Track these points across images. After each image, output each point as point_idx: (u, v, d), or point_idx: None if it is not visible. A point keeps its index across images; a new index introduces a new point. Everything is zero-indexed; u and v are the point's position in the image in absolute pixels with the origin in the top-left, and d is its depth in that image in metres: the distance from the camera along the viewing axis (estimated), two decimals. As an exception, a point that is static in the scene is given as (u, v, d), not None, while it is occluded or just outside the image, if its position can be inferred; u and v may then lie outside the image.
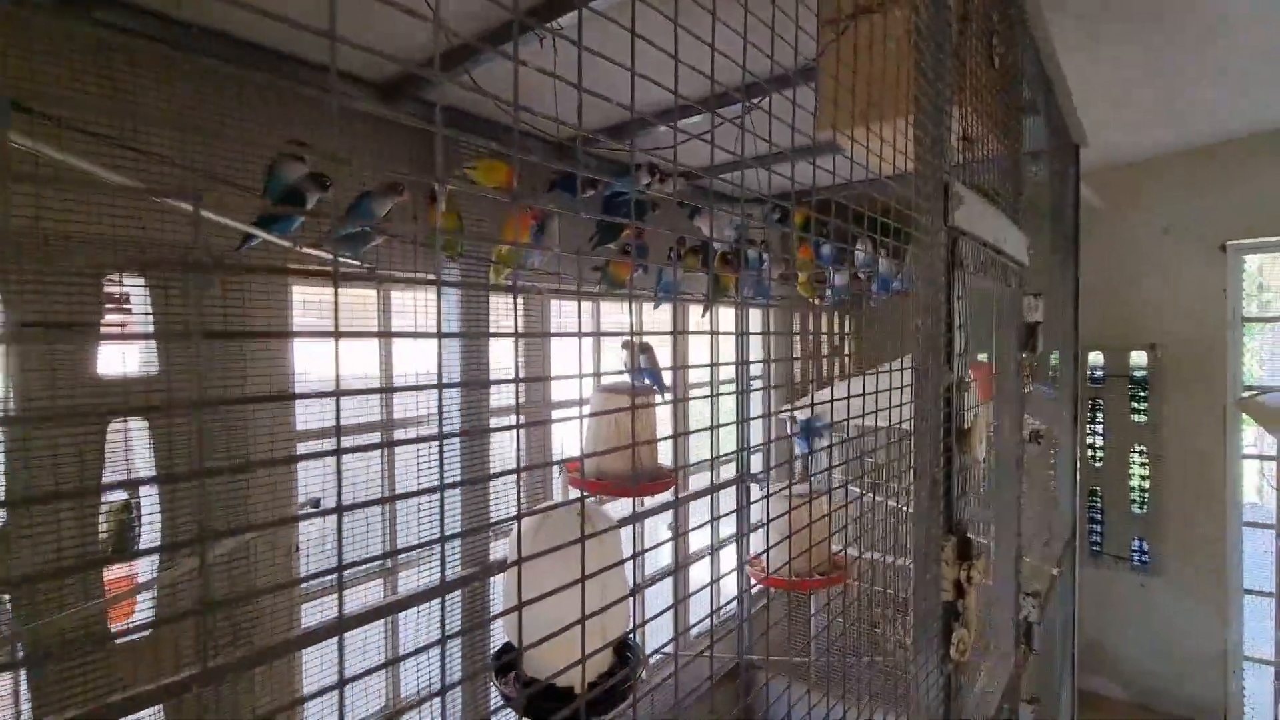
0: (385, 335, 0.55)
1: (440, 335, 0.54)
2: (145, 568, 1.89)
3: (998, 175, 1.63)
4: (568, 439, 3.37)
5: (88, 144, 1.60)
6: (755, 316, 4.69)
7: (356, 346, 2.67)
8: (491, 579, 2.72)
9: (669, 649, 3.16)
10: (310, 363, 2.37)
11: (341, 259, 2.11)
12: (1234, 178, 4.79)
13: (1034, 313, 1.76)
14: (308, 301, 2.39)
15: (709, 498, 3.98)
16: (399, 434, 2.74)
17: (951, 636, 1.09)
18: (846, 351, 3.93)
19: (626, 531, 2.45)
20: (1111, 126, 4.17)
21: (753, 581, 3.00)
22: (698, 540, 4.12)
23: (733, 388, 4.45)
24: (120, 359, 1.94)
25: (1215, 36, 2.85)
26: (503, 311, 2.99)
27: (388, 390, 0.45)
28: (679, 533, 3.72)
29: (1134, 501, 5.43)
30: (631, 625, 1.46)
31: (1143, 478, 5.43)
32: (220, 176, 1.79)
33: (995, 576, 1.74)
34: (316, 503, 2.12)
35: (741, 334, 0.89)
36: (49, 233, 1.74)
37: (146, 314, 1.96)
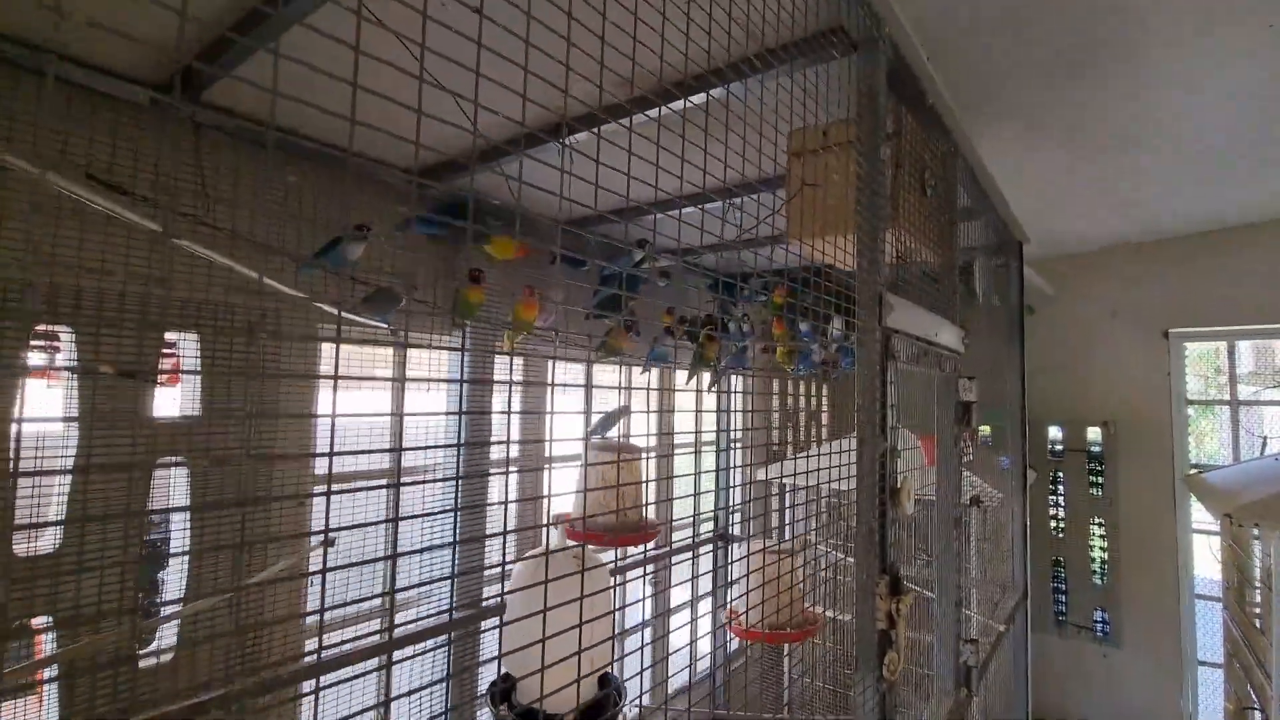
0: (414, 380, 0.82)
1: (461, 381, 0.82)
2: (175, 592, 2.08)
3: (934, 279, 1.98)
4: (560, 488, 3.58)
5: (184, 223, 1.90)
6: (737, 383, 5.01)
7: (372, 396, 2.92)
8: (486, 617, 2.89)
9: (647, 699, 3.30)
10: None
11: (370, 321, 2.39)
12: (1174, 270, 5.26)
13: (968, 393, 2.08)
14: (333, 359, 2.65)
15: (690, 554, 4.17)
16: (407, 480, 2.96)
17: (885, 659, 1.34)
18: (818, 414, 4.24)
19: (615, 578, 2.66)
20: (1054, 221, 4.65)
21: (730, 635, 3.19)
22: (678, 595, 4.28)
23: (714, 448, 4.71)
24: (171, 403, 2.19)
25: (1129, 147, 3.29)
26: (504, 371, 3.28)
27: (405, 448, 0.72)
28: (656, 579, 3.89)
29: (1094, 572, 5.66)
30: (613, 657, 1.67)
31: (1102, 549, 5.69)
32: (279, 249, 2.09)
33: (937, 624, 1.98)
34: (332, 542, 2.32)
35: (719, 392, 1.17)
36: (123, 290, 2.02)
37: (196, 362, 2.22)
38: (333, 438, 0.72)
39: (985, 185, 2.61)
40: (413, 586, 0.95)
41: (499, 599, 2.74)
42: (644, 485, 2.78)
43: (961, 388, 2.05)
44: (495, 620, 2.70)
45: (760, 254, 1.50)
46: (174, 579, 2.21)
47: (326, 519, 0.93)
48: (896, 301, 1.48)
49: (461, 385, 2.98)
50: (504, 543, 0.93)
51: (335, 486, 2.58)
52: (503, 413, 3.30)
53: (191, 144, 2.11)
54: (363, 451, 0.75)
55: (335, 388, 0.68)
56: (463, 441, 2.97)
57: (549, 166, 0.85)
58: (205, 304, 2.17)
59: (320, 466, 2.56)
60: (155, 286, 1.99)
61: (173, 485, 2.22)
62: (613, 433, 2.93)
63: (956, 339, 2.01)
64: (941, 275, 2.02)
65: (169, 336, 2.32)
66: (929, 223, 1.86)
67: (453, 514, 2.90)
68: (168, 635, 2.19)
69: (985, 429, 3.71)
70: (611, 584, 1.78)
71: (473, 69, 0.75)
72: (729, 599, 3.71)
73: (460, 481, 2.95)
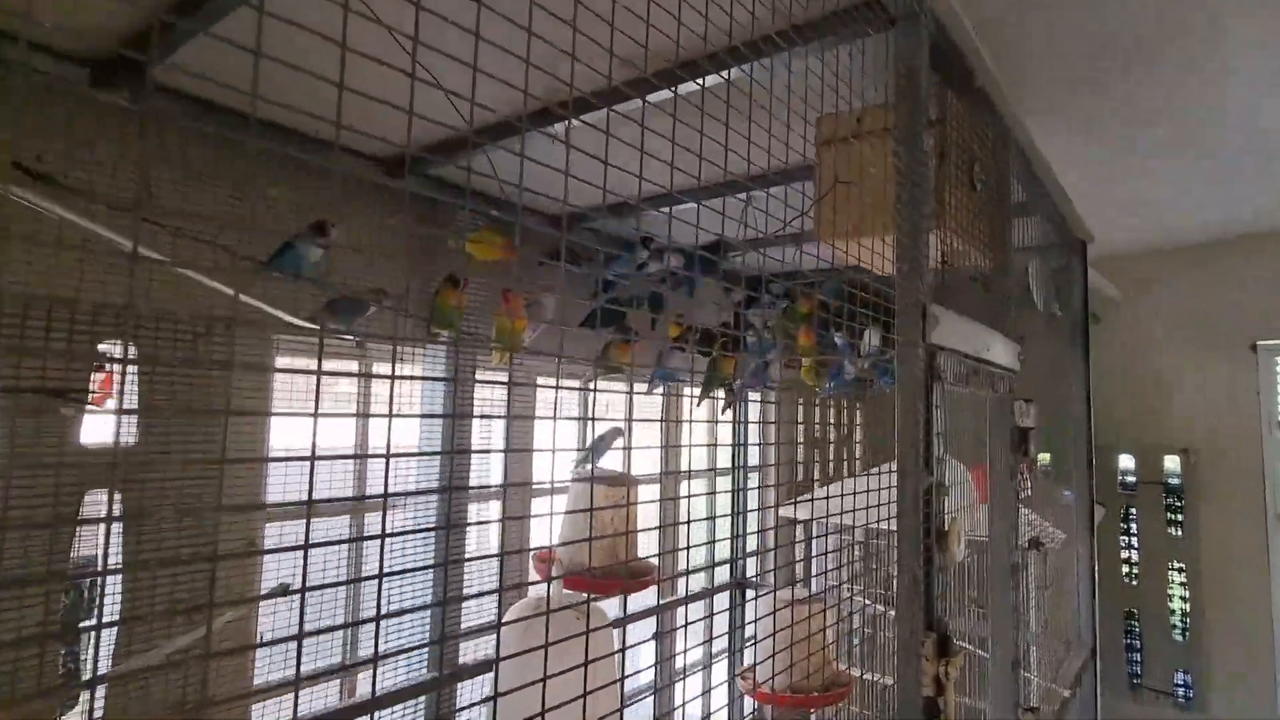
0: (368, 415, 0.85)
1: (447, 415, 0.84)
2: (105, 651, 2.09)
3: (985, 285, 2.01)
4: (549, 527, 3.59)
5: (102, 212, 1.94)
6: (755, 406, 5.04)
7: (336, 423, 2.93)
8: (471, 675, 2.89)
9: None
10: (290, 435, 2.63)
11: (333, 330, 2.42)
12: (1263, 272, 5.27)
13: (1025, 417, 2.10)
14: (291, 381, 2.68)
15: (700, 604, 4.18)
16: (372, 518, 2.98)
17: (930, 729, 1.35)
18: (850, 439, 4.26)
19: (615, 630, 2.67)
20: (1122, 218, 4.69)
21: (745, 697, 3.19)
22: (688, 653, 4.28)
23: (727, 482, 4.73)
24: (103, 427, 2.21)
25: (1209, 134, 3.34)
26: (488, 390, 3.30)
27: (396, 495, 0.74)
28: (663, 635, 3.89)
29: (1174, 626, 5.62)
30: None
31: (1183, 599, 5.65)
32: (232, 249, 2.12)
33: (992, 689, 1.99)
34: (285, 589, 2.33)
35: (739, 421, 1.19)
36: (40, 295, 2.05)
37: (132, 381, 2.24)
38: (312, 474, 0.74)
39: (1043, 176, 2.65)
40: (388, 655, 0.96)
41: (489, 659, 2.75)
42: (636, 520, 2.79)
43: (1018, 411, 2.07)
44: (475, 682, 2.71)
45: (779, 255, 1.53)
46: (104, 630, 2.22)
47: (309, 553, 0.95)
48: (942, 314, 1.51)
49: (453, 420, 3.00)
50: (499, 598, 0.95)
51: (291, 525, 2.59)
52: (484, 451, 3.32)
53: (133, 131, 2.15)
54: (325, 500, 0.77)
55: (315, 423, 0.70)
56: (445, 486, 2.98)
57: (536, 161, 0.88)
58: (144, 313, 2.20)
59: (275, 495, 2.58)
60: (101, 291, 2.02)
61: (104, 525, 2.23)
62: (609, 460, 2.94)
63: (1011, 355, 2.03)
64: (994, 281, 2.05)
65: (101, 348, 2.35)
66: (979, 221, 1.89)
67: (431, 568, 2.92)
68: (96, 701, 2.20)
69: (1045, 457, 3.72)
70: (615, 645, 1.79)
71: (453, 56, 0.78)
72: (746, 657, 3.71)
73: (439, 527, 2.97)
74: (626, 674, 3.79)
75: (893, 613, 1.98)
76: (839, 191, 1.77)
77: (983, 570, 2.20)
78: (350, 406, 3.02)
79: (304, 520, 2.41)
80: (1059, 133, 3.26)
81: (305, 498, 0.69)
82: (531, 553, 2.52)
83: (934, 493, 1.44)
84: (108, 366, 2.39)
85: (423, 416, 3.02)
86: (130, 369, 2.28)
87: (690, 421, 4.74)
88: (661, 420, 4.45)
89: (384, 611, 2.88)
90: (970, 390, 1.79)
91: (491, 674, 1.99)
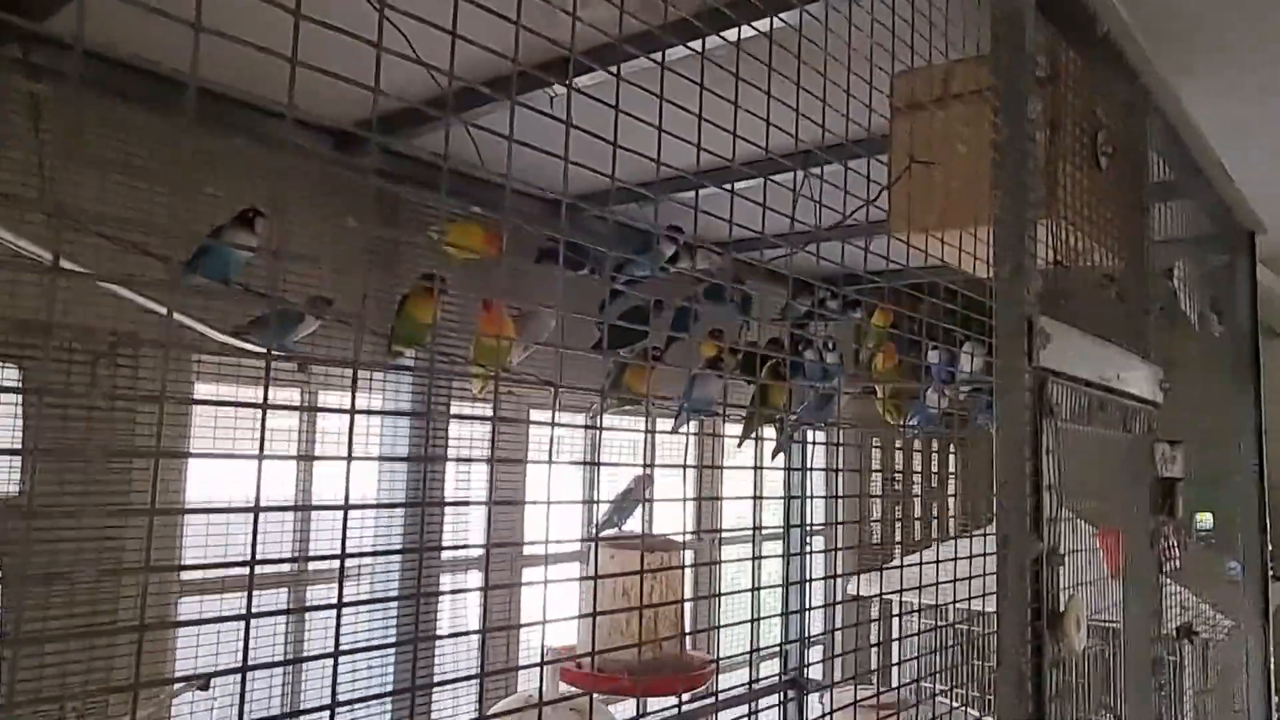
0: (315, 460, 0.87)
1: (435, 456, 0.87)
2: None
3: (1115, 293, 2.01)
4: (550, 608, 3.61)
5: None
6: (815, 450, 5.03)
7: (269, 467, 2.98)
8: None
9: None
10: (210, 483, 2.69)
11: (260, 348, 2.48)
12: None
13: (1170, 465, 2.09)
14: (213, 417, 2.74)
15: (748, 710, 4.15)
16: (314, 590, 3.01)
17: None
18: (943, 494, 4.24)
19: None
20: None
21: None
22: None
23: (781, 548, 4.72)
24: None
25: None
26: (466, 427, 3.34)
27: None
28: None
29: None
30: None
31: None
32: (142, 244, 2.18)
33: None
34: (206, 684, 2.37)
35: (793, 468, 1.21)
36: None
37: (13, 417, 2.31)
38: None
39: (1195, 150, 2.65)
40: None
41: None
42: (681, 598, 2.80)
43: (1160, 457, 2.06)
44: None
45: (835, 254, 1.55)
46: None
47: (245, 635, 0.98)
48: (1055, 329, 1.51)
49: (424, 466, 3.05)
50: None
51: (211, 600, 2.63)
52: (461, 503, 3.35)
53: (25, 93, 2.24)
54: (271, 560, 0.81)
55: (260, 466, 0.73)
56: (415, 546, 3.02)
57: (515, 141, 0.91)
58: (31, 325, 2.27)
59: (194, 553, 2.63)
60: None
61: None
62: (633, 520, 2.96)
63: (1151, 383, 2.03)
64: (1126, 286, 2.05)
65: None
66: (1105, 208, 1.90)
67: (393, 646, 2.95)
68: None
69: (1204, 519, 3.67)
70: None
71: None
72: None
73: (400, 602, 3.00)
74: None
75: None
76: (917, 172, 1.79)
77: (1115, 666, 2.18)
78: (288, 446, 3.07)
79: (223, 595, 2.46)
80: (1217, 97, 3.26)
81: (233, 560, 0.72)
82: (544, 648, 2.53)
83: (1045, 563, 1.44)
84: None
85: (394, 459, 3.06)
86: (9, 398, 2.35)
87: (727, 467, 4.76)
88: (688, 465, 4.46)
89: (334, 702, 2.91)
90: (1095, 429, 1.79)
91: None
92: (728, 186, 1.29)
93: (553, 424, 3.15)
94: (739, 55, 1.25)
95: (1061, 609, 1.45)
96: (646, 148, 1.06)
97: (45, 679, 2.18)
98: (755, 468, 4.44)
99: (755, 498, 3.79)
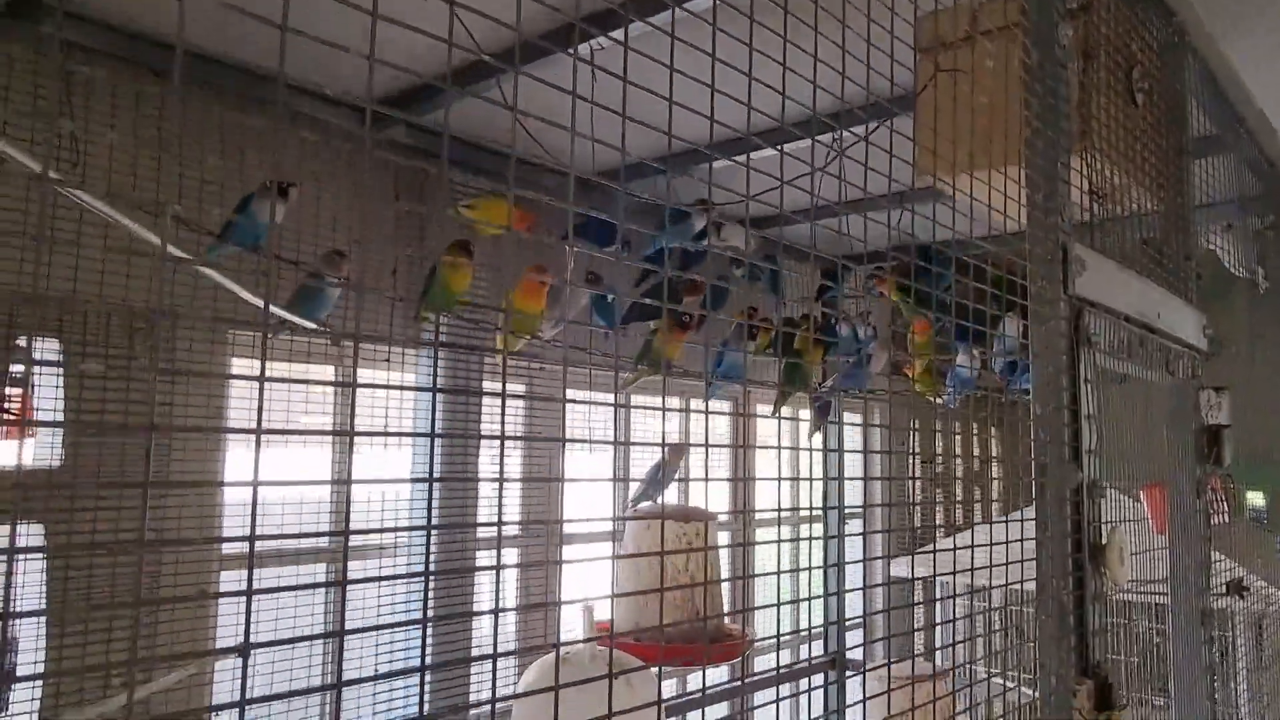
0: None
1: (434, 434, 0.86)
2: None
3: (1155, 248, 1.97)
4: (588, 582, 3.61)
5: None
6: (849, 430, 4.99)
7: (305, 447, 3.02)
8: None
9: None
10: (248, 462, 2.72)
11: (296, 323, 2.50)
12: None
13: (1215, 412, 2.04)
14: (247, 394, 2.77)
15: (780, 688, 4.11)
16: (357, 565, 3.05)
17: (1089, 811, 1.31)
18: (986, 470, 4.18)
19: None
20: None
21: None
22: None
23: (820, 528, 4.68)
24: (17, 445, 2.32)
25: None
26: (498, 404, 3.35)
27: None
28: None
29: None
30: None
31: None
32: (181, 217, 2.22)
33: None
34: (245, 653, 2.39)
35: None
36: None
37: (55, 387, 2.36)
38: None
39: (1236, 99, 2.59)
40: None
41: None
42: (717, 566, 2.79)
43: (1205, 403, 2.01)
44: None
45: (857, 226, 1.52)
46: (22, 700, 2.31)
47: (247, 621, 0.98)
48: (1092, 258, 1.48)
49: (464, 441, 3.07)
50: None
51: (256, 575, 2.67)
52: (493, 479, 3.35)
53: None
54: (291, 536, 0.81)
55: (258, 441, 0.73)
56: (456, 522, 3.04)
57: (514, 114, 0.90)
58: (71, 299, 2.32)
59: (234, 539, 2.67)
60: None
61: (22, 570, 2.34)
62: (667, 492, 2.95)
63: (1194, 327, 1.98)
64: (1167, 231, 2.01)
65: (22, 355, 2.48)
66: (1142, 146, 1.86)
67: (421, 624, 2.96)
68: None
69: (1256, 497, 3.57)
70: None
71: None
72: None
73: (434, 576, 3.02)
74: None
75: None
76: (946, 111, 1.77)
77: (1165, 636, 2.13)
78: (324, 421, 3.11)
79: (262, 568, 2.48)
80: (1264, 42, 3.17)
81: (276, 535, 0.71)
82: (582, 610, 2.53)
83: (1086, 494, 1.41)
84: (27, 376, 2.51)
85: (432, 436, 3.08)
86: (53, 375, 2.40)
87: (758, 447, 4.73)
88: (714, 445, 4.43)
89: (371, 675, 2.93)
90: (1135, 371, 1.75)
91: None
92: (760, 154, 1.27)
93: (589, 401, 3.15)
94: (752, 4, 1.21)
95: (1103, 541, 1.42)
96: (662, 117, 1.03)
97: (90, 646, 2.22)
98: (790, 448, 4.42)
99: (791, 479, 3.77)
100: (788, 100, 1.25)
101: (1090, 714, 1.33)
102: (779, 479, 1.24)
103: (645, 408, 3.94)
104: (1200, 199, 2.39)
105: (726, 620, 3.04)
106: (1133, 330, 1.66)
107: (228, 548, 2.65)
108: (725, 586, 4.05)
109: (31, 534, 2.27)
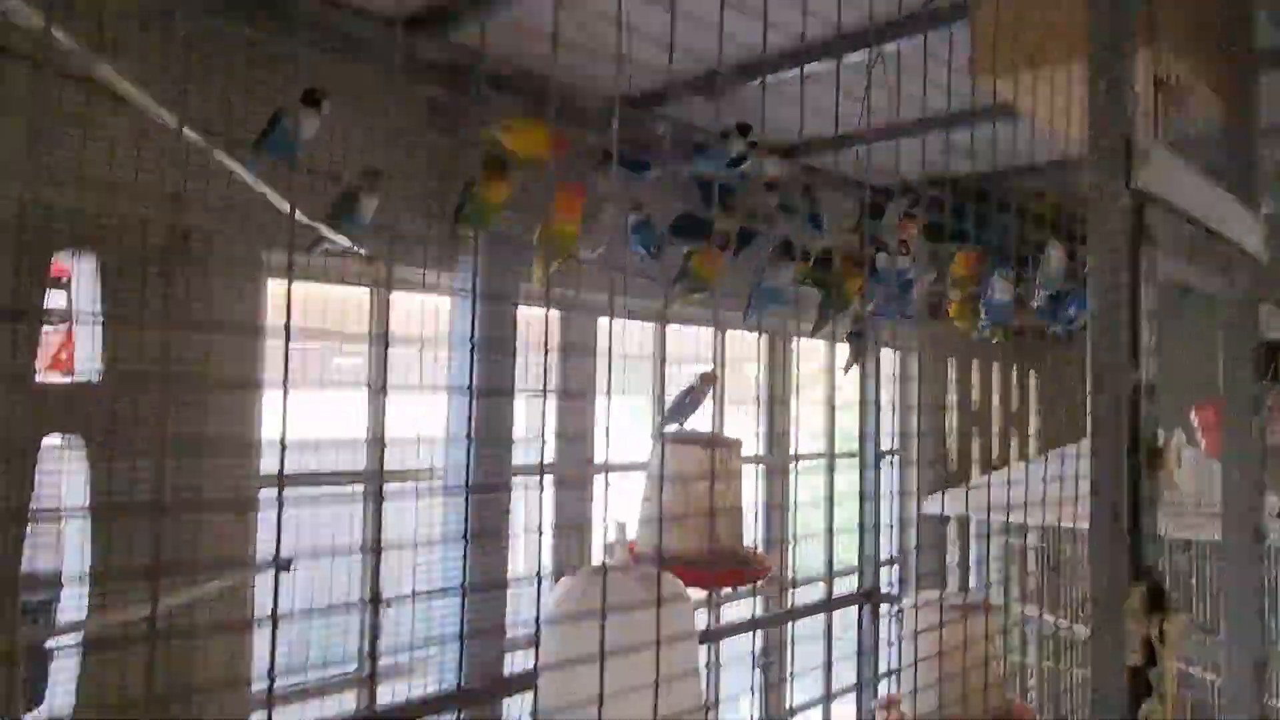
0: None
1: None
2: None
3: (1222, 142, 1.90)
4: (619, 505, 3.64)
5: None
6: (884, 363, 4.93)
7: (342, 368, 3.03)
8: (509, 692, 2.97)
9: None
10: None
11: (331, 242, 2.49)
12: None
13: (1276, 328, 1.97)
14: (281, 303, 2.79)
15: (814, 621, 4.15)
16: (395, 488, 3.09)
17: (1140, 711, 1.29)
18: (1024, 409, 4.12)
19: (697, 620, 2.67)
20: None
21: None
22: (801, 680, 4.25)
23: (855, 463, 4.66)
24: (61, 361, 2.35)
25: None
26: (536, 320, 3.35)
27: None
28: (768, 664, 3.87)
29: None
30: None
31: None
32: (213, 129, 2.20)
33: (1228, 686, 1.90)
34: (288, 565, 2.43)
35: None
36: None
37: (95, 302, 2.38)
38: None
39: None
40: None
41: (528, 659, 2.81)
42: (739, 494, 2.79)
43: (1265, 318, 1.95)
44: (523, 697, 2.78)
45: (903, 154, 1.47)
46: (70, 605, 2.38)
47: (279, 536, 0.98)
48: (1156, 149, 1.42)
49: (472, 352, 3.07)
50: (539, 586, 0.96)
51: (292, 492, 2.70)
52: (534, 391, 3.35)
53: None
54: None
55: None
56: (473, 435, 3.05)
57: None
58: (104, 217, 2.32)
59: (271, 457, 2.70)
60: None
61: (65, 480, 2.39)
62: (695, 419, 2.95)
63: (1257, 238, 1.91)
64: (1233, 136, 1.93)
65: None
66: (1208, 40, 1.78)
67: (462, 542, 3.00)
68: (58, 694, 2.36)
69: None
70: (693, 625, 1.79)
71: None
72: (880, 686, 3.66)
73: (472, 495, 3.04)
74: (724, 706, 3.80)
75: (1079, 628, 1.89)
76: (1006, 5, 1.70)
77: (1212, 567, 2.09)
78: (363, 351, 3.12)
79: (301, 487, 2.51)
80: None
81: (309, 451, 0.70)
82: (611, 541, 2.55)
83: (1143, 395, 1.37)
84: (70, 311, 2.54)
85: (472, 345, 3.08)
86: (90, 291, 2.42)
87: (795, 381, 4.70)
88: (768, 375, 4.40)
89: (404, 596, 2.99)
90: (1194, 279, 1.69)
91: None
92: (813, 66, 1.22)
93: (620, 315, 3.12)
94: None
95: (1159, 443, 1.38)
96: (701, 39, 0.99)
97: (135, 551, 2.26)
98: (829, 382, 4.38)
99: (828, 405, 3.73)
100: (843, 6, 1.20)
101: (1142, 617, 1.31)
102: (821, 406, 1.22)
103: (683, 323, 3.93)
104: (1265, 118, 2.30)
105: (752, 549, 3.06)
106: (1195, 231, 1.60)
107: (265, 467, 2.69)
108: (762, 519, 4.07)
109: (74, 446, 2.31)
